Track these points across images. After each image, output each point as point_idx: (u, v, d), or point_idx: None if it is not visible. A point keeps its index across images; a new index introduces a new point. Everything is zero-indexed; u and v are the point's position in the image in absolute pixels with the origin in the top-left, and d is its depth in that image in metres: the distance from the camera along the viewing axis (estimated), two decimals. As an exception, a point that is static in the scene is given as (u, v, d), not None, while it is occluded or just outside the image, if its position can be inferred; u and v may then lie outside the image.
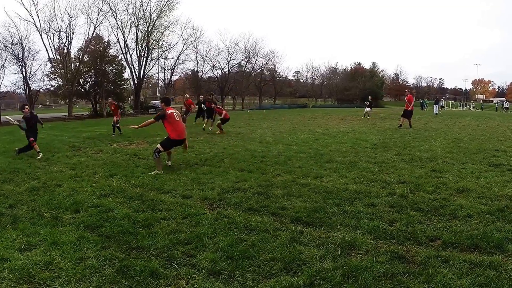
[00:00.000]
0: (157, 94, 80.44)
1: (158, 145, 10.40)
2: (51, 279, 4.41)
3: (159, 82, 75.21)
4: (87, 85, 55.69)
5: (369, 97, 38.49)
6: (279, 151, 13.39)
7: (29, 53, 48.56)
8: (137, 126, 10.81)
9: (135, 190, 8.23)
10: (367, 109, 35.18)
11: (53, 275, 4.51)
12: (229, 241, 5.36)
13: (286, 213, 6.58)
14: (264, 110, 58.24)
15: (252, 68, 78.64)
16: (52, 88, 56.65)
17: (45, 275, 4.50)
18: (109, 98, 22.86)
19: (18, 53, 48.71)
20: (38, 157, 12.77)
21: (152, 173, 9.87)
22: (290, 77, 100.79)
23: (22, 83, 51.34)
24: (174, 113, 10.42)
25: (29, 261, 4.81)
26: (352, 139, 16.57)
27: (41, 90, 54.39)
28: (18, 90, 58.18)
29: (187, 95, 30.81)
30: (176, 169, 10.41)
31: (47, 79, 53.61)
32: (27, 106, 13.57)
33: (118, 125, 20.73)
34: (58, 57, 50.86)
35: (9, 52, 48.22)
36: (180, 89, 79.49)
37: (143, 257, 4.97)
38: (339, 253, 5.01)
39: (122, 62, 57.20)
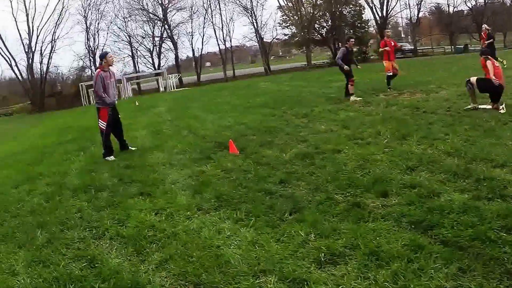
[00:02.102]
0: (402, 35, 77.18)
1: (471, 78, 10.08)
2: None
3: (402, 20, 71.89)
4: (323, 31, 57.85)
5: None
6: None
7: (258, 2, 51.59)
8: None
9: (453, 161, 6.08)
10: None
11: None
12: None
13: None
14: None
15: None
16: (286, 37, 60.37)
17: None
18: (351, 39, 17.82)
19: (245, 4, 52.22)
20: (355, 99, 13.34)
21: (469, 106, 9.98)
22: None
23: (254, 34, 55.15)
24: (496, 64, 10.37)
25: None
26: None
27: (274, 40, 58.73)
28: (248, 43, 63.27)
29: (485, 25, 25.08)
30: (490, 128, 7.87)
31: (279, 27, 58.10)
32: (353, 39, 14.70)
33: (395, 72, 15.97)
34: (290, 4, 53.71)
35: (235, 3, 52.33)
36: (425, 28, 74.62)
37: None
38: None
39: (360, 1, 57.20)
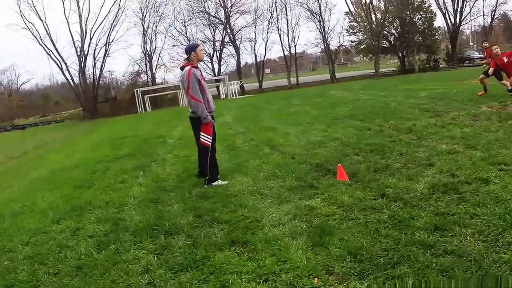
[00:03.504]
0: (470, 44, 76.85)
1: None
2: None
3: (471, 27, 70.69)
4: (392, 38, 58.89)
5: None
6: None
7: (326, 7, 53.57)
8: None
9: None
10: None
11: None
12: None
13: None
14: None
15: None
16: (353, 44, 62.11)
17: None
18: (484, 42, 17.15)
19: (314, 8, 53.50)
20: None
21: None
22: None
23: (321, 40, 57.80)
24: None
25: None
26: None
27: (341, 46, 60.91)
28: (310, 51, 67.38)
29: None
30: None
31: (346, 34, 59.98)
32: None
33: None
34: (359, 10, 54.15)
35: (302, 7, 52.83)
36: (494, 36, 72.94)
37: None
38: None
39: (431, 8, 57.28)
